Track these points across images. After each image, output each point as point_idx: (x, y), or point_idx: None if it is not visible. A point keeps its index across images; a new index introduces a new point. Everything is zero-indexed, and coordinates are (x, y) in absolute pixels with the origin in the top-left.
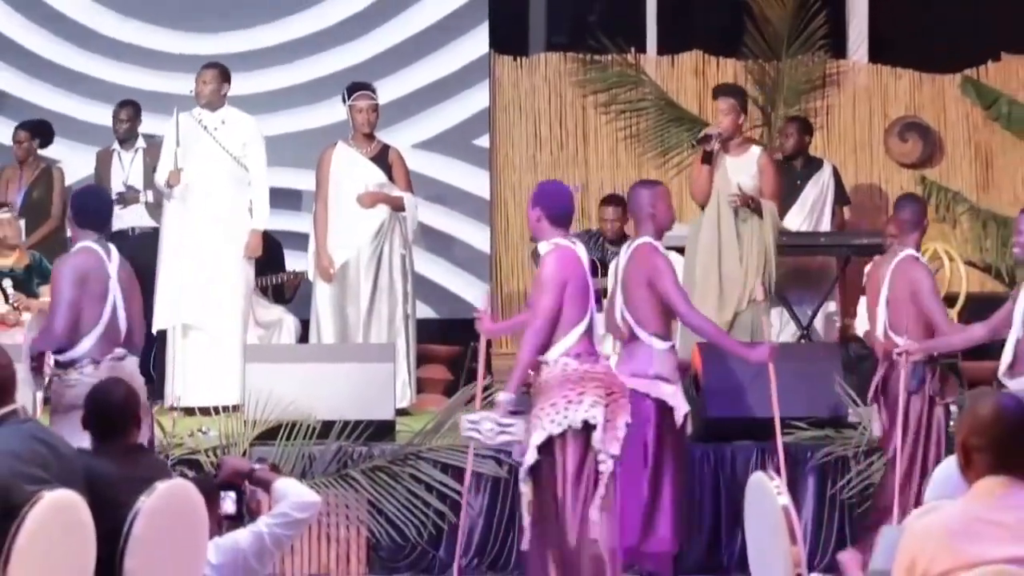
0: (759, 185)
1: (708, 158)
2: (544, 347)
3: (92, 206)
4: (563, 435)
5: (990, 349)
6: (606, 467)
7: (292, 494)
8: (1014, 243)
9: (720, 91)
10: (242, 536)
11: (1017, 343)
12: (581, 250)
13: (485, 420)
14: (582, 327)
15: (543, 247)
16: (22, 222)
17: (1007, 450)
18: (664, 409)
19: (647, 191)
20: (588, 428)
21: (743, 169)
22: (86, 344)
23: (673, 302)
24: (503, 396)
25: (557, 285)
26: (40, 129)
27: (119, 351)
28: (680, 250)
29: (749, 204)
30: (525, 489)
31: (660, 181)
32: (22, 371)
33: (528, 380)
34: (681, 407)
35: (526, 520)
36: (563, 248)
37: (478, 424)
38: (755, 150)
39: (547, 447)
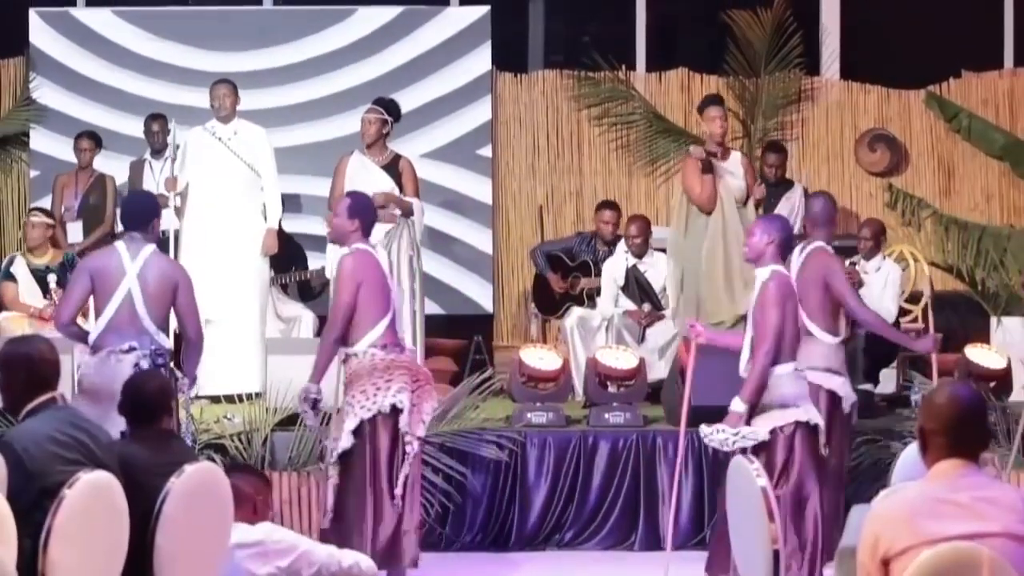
0: (745, 184)
1: (709, 168)
2: (342, 340)
3: (128, 208)
4: (373, 420)
5: (955, 342)
6: (412, 448)
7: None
8: (744, 245)
9: (711, 100)
10: (306, 543)
11: (752, 339)
12: (380, 254)
13: (306, 413)
14: (386, 321)
15: (344, 251)
16: (79, 225)
17: (960, 435)
18: (835, 399)
19: (830, 202)
20: (396, 412)
21: (732, 172)
22: (93, 334)
23: (846, 298)
24: (306, 386)
25: (352, 284)
26: (99, 139)
27: (126, 344)
28: (662, 250)
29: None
30: (333, 473)
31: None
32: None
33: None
34: (849, 397)
35: (329, 502)
36: (361, 252)
37: (305, 415)
38: (736, 154)
39: (359, 432)
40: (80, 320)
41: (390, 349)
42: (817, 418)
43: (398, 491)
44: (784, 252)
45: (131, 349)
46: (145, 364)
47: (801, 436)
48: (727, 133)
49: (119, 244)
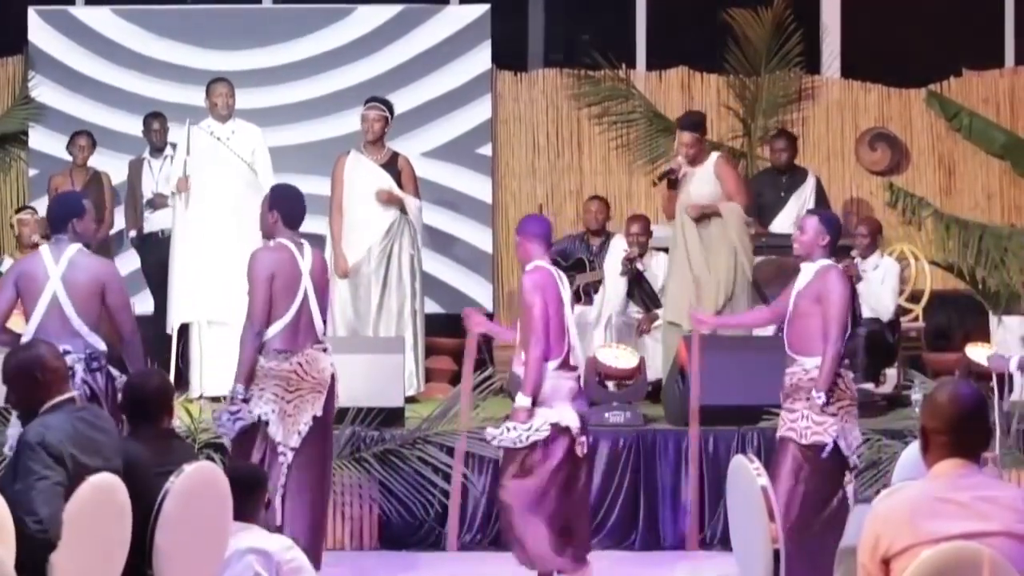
0: (721, 190)
1: (674, 185)
2: (261, 336)
3: (50, 210)
4: (245, 430)
5: (953, 341)
6: (284, 458)
7: None
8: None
9: (683, 125)
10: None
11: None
12: (306, 250)
13: (221, 414)
14: (282, 323)
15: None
16: None
17: (962, 434)
18: None
19: None
20: (264, 424)
21: (704, 180)
22: (25, 339)
23: None
24: (233, 388)
25: (263, 280)
26: (94, 139)
27: (60, 348)
28: (665, 250)
29: (705, 214)
30: None
31: None
32: None
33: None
34: None
35: None
36: (275, 248)
37: (219, 420)
38: (712, 159)
39: (239, 436)
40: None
41: (272, 356)
42: (570, 420)
43: (275, 501)
44: (547, 246)
45: (65, 353)
46: (80, 368)
47: (553, 436)
48: (699, 154)
49: (43, 248)
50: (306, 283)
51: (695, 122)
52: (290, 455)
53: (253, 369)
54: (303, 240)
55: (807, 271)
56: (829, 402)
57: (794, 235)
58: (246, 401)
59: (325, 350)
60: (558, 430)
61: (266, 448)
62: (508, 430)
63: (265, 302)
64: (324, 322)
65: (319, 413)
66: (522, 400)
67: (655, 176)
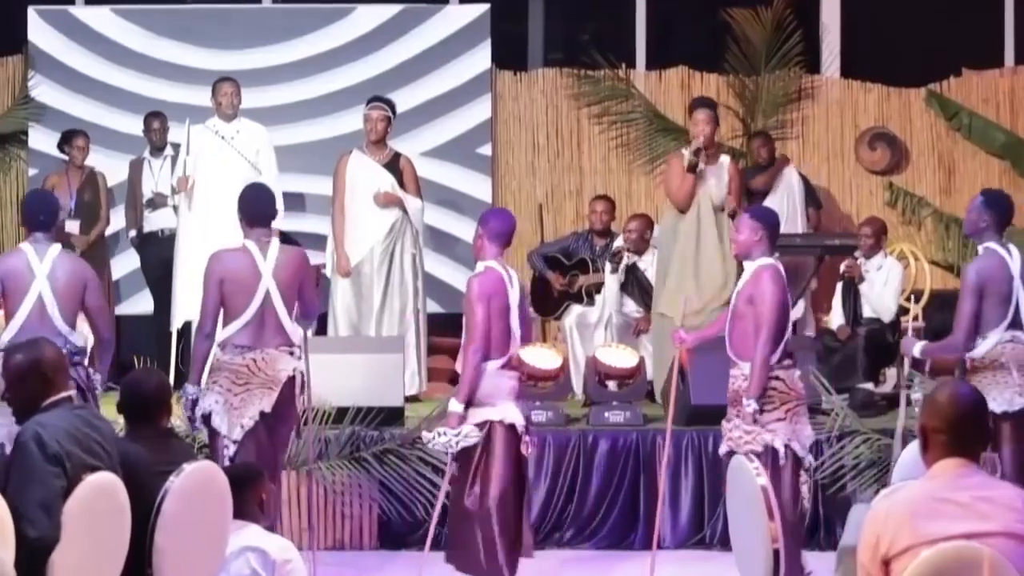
0: (729, 190)
1: (694, 168)
2: (211, 337)
3: (32, 209)
4: (206, 420)
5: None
6: (228, 451)
7: None
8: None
9: (699, 103)
10: None
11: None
12: (272, 250)
13: (186, 418)
14: (241, 322)
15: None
16: (77, 223)
17: (961, 433)
18: None
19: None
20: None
21: (716, 176)
22: (6, 337)
23: None
24: (187, 388)
25: (211, 284)
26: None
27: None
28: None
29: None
30: None
31: None
32: None
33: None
34: None
35: None
36: (232, 251)
37: (189, 418)
38: (724, 159)
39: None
40: None
41: (230, 349)
42: (514, 417)
43: None
44: (503, 245)
45: None
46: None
47: (499, 435)
48: (714, 136)
49: (25, 246)
50: (268, 283)
51: (708, 102)
52: (232, 448)
53: (203, 369)
54: (272, 239)
55: (748, 270)
56: (763, 409)
57: (731, 236)
58: (195, 403)
59: (292, 353)
60: (503, 427)
61: (215, 441)
62: (439, 435)
63: (213, 305)
64: (301, 318)
65: (267, 409)
66: (454, 406)
67: (691, 152)
